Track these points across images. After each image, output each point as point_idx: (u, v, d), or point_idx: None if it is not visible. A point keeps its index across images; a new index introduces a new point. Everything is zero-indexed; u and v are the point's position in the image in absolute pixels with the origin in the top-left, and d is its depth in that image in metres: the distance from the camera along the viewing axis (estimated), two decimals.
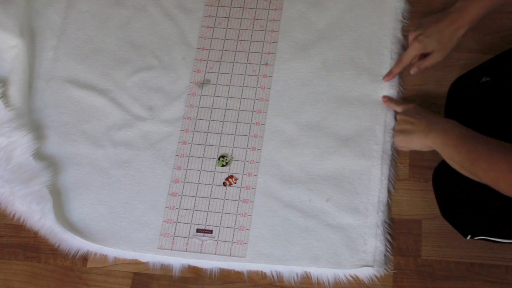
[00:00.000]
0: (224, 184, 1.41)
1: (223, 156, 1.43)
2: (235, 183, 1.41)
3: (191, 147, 1.45)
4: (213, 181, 1.42)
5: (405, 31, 1.49)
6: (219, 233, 1.38)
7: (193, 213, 1.40)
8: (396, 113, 1.41)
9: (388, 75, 1.45)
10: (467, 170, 1.18)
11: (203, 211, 1.40)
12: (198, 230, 1.39)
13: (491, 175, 1.10)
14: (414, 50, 1.38)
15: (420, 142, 1.28)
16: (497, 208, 1.18)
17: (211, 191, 1.42)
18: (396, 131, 1.35)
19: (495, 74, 1.28)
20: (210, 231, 1.38)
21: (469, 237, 1.26)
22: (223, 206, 1.40)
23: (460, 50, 1.45)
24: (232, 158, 1.43)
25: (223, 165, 1.43)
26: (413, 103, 1.37)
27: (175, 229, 1.39)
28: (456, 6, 1.34)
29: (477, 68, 1.34)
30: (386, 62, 1.46)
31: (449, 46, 1.36)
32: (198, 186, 1.42)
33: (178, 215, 1.40)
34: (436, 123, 1.25)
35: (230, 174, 1.42)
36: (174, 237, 1.38)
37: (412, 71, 1.42)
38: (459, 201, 1.24)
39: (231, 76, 1.50)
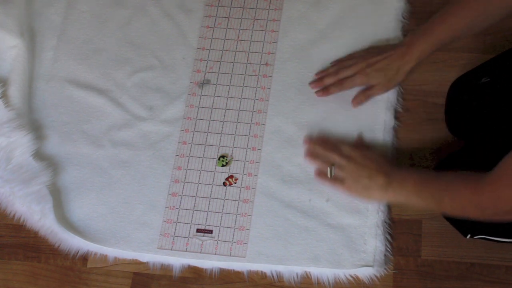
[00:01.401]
0: (224, 184, 1.41)
1: (223, 156, 1.43)
2: (235, 183, 1.41)
3: (191, 147, 1.45)
4: (213, 181, 1.42)
5: (405, 31, 1.49)
6: (219, 233, 1.38)
7: (193, 213, 1.40)
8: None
9: (321, 90, 1.44)
10: (438, 211, 1.24)
11: (203, 211, 1.40)
12: (198, 230, 1.39)
13: (459, 207, 1.13)
14: (359, 81, 1.40)
15: (379, 197, 1.30)
16: None
17: (211, 191, 1.41)
18: (347, 181, 1.31)
19: (494, 75, 1.28)
20: (210, 231, 1.38)
21: (468, 236, 1.26)
22: (223, 206, 1.40)
23: (460, 50, 1.46)
24: (232, 158, 1.43)
25: (223, 165, 1.43)
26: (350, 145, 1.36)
27: (175, 229, 1.39)
28: (404, 41, 1.37)
29: (476, 68, 1.34)
30: None
31: (395, 80, 1.39)
32: (198, 186, 1.42)
33: (178, 215, 1.40)
34: (391, 174, 1.25)
35: (230, 174, 1.42)
36: (174, 237, 1.38)
37: (353, 105, 1.42)
38: None
39: (231, 76, 1.50)
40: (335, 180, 1.32)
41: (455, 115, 1.35)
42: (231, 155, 1.44)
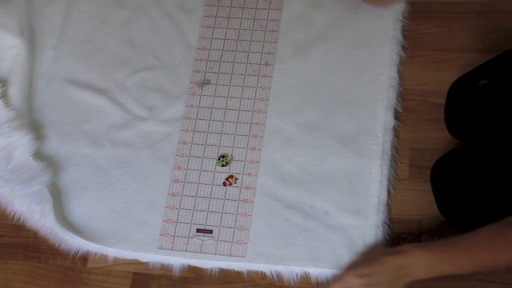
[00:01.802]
0: (224, 184, 1.41)
1: (223, 156, 1.43)
2: (235, 183, 1.41)
3: (191, 147, 1.45)
4: (213, 181, 1.42)
5: (405, 31, 1.49)
6: (219, 233, 1.38)
7: (193, 213, 1.40)
8: None
9: None
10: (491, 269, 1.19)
11: (203, 211, 1.40)
12: (198, 230, 1.39)
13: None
14: None
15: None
16: (494, 205, 1.18)
17: (211, 191, 1.41)
18: None
19: (493, 77, 1.28)
20: (210, 231, 1.38)
21: None
22: (223, 206, 1.40)
23: (460, 50, 1.46)
24: (232, 158, 1.43)
25: (223, 165, 1.43)
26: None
27: (175, 229, 1.39)
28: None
29: (475, 70, 1.34)
30: (386, 62, 1.46)
31: None
32: (198, 186, 1.42)
33: (178, 215, 1.40)
34: (409, 265, 1.18)
35: (230, 174, 1.42)
36: (174, 237, 1.38)
37: None
38: (457, 198, 1.25)
39: (231, 76, 1.50)
40: None
41: (455, 117, 1.35)
42: (231, 155, 1.44)
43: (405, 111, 1.43)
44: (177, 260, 1.37)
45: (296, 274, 1.34)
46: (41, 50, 1.58)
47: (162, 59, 1.54)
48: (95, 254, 1.40)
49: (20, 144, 1.43)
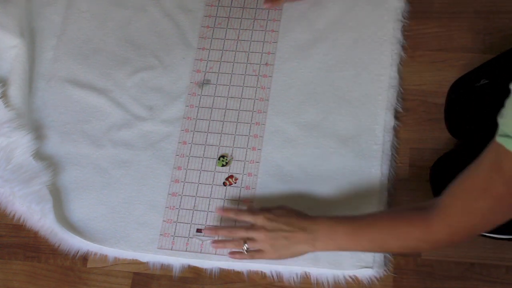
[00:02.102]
0: (224, 184, 1.41)
1: (223, 156, 1.43)
2: (235, 183, 1.41)
3: (191, 147, 1.45)
4: (213, 181, 1.42)
5: (405, 31, 1.49)
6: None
7: (193, 213, 1.40)
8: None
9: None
10: (383, 252, 1.24)
11: (203, 211, 1.40)
12: (198, 230, 1.39)
13: (408, 246, 1.13)
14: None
15: (307, 251, 1.24)
16: None
17: (211, 191, 1.41)
18: (266, 251, 1.26)
19: (493, 77, 1.28)
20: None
21: None
22: (223, 206, 1.40)
23: (460, 50, 1.46)
24: (232, 158, 1.43)
25: (223, 165, 1.43)
26: (265, 210, 1.29)
27: (175, 229, 1.39)
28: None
29: (475, 70, 1.34)
30: (386, 62, 1.46)
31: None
32: (198, 186, 1.42)
33: (178, 215, 1.40)
34: (312, 227, 1.22)
35: (230, 174, 1.42)
36: (174, 237, 1.38)
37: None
38: None
39: (231, 76, 1.50)
40: (253, 254, 1.28)
41: (455, 117, 1.35)
42: (231, 155, 1.44)
43: (405, 111, 1.44)
44: (177, 260, 1.37)
45: (296, 274, 1.34)
46: (41, 50, 1.58)
47: (162, 59, 1.54)
48: (95, 254, 1.40)
49: (20, 144, 1.43)
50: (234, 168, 1.43)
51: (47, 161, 1.45)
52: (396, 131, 1.42)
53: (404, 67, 1.46)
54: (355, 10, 1.52)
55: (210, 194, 1.41)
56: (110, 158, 1.46)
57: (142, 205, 1.42)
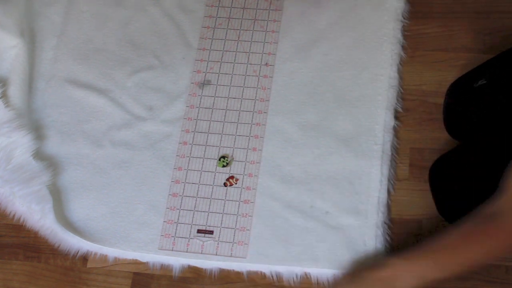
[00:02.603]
0: (225, 184, 1.41)
1: (223, 157, 1.43)
2: (235, 183, 1.41)
3: (191, 147, 1.45)
4: (214, 181, 1.42)
5: (405, 31, 1.49)
6: (220, 234, 1.38)
7: (193, 214, 1.40)
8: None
9: None
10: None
11: (204, 211, 1.40)
12: (199, 231, 1.39)
13: (493, 255, 1.12)
14: None
15: None
16: None
17: (212, 191, 1.42)
18: None
19: (491, 77, 1.29)
20: (211, 232, 1.38)
21: None
22: (224, 206, 1.40)
23: (460, 50, 1.46)
24: (233, 159, 1.43)
25: (223, 166, 1.43)
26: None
27: (176, 229, 1.39)
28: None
29: (473, 70, 1.34)
30: (386, 62, 1.46)
31: None
32: (199, 187, 1.42)
33: (178, 216, 1.40)
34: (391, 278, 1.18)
35: (230, 175, 1.42)
36: (175, 237, 1.38)
37: None
38: (456, 198, 1.25)
39: (231, 77, 1.50)
40: None
41: (454, 117, 1.35)
42: (232, 156, 1.44)
43: (405, 111, 1.44)
44: (177, 260, 1.37)
45: (296, 275, 1.34)
46: (41, 50, 1.57)
47: (162, 59, 1.54)
48: (95, 254, 1.40)
49: (20, 144, 1.43)
50: (234, 168, 1.43)
51: (47, 161, 1.45)
52: (396, 131, 1.42)
53: (404, 67, 1.46)
54: (355, 10, 1.52)
55: (211, 195, 1.41)
56: (110, 158, 1.46)
57: (142, 205, 1.42)
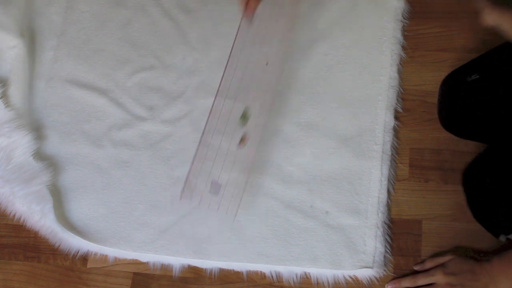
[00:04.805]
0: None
1: (244, 115, 1.38)
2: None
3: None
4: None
5: (405, 31, 1.49)
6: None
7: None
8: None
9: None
10: None
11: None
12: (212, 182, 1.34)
13: None
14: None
15: None
16: None
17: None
18: None
19: (484, 71, 1.29)
20: (219, 185, 1.33)
21: (501, 236, 1.25)
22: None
23: (460, 50, 1.45)
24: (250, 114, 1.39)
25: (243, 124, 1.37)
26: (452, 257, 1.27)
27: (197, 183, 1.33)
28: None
29: (466, 65, 1.34)
30: (386, 62, 1.46)
31: None
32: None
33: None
34: (492, 274, 1.18)
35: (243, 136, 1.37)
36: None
37: None
38: (493, 203, 1.24)
39: None
40: None
41: (447, 111, 1.35)
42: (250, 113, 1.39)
43: (405, 111, 1.43)
44: (177, 260, 1.37)
45: (296, 274, 1.34)
46: (41, 50, 1.58)
47: (162, 59, 1.54)
48: (95, 254, 1.41)
49: (20, 144, 1.44)
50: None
51: (47, 161, 1.46)
52: (396, 131, 1.42)
53: (404, 67, 1.46)
54: (355, 10, 1.52)
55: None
56: (110, 158, 1.47)
57: (142, 205, 1.42)
